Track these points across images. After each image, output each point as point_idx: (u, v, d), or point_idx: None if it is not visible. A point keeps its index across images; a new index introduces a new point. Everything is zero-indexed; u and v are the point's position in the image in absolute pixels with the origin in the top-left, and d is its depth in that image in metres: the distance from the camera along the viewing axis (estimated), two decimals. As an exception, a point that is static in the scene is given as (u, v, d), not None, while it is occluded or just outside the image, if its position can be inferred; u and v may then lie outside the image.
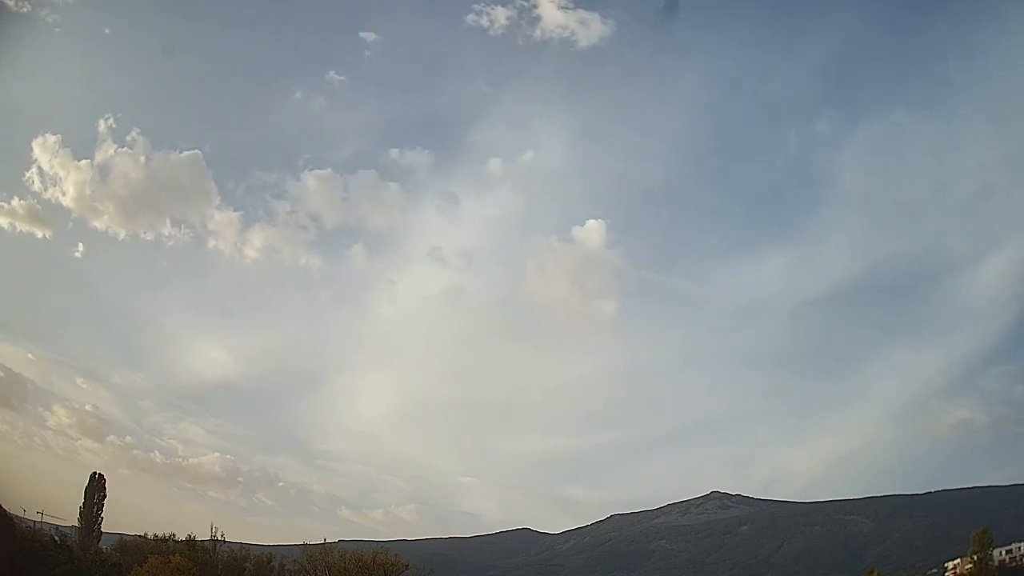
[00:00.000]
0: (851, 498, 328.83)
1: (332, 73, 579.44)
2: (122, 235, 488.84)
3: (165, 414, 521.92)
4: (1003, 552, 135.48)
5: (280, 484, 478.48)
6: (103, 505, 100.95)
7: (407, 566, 74.99)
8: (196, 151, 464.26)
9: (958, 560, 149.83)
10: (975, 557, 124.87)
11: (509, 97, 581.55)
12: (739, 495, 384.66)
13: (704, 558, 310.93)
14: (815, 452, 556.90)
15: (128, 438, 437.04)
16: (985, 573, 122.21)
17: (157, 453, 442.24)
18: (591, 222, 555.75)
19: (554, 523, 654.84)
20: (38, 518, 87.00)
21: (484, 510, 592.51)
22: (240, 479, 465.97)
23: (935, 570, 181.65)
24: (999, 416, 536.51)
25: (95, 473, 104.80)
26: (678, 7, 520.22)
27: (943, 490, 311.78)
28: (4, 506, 24.33)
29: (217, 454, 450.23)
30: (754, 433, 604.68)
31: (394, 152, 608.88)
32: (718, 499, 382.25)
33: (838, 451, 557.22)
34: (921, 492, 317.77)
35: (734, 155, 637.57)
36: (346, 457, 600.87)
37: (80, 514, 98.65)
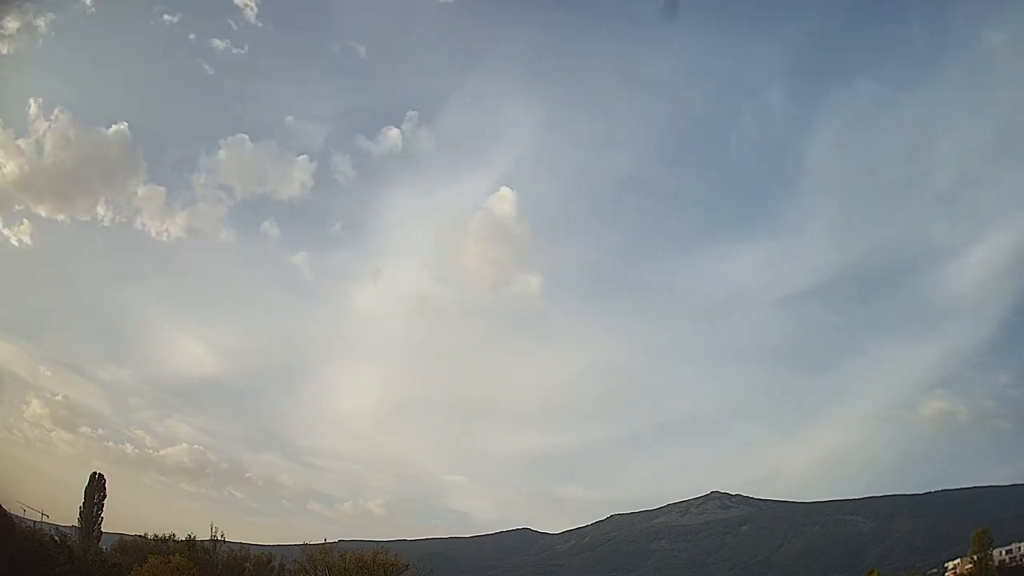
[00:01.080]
0: (851, 498, 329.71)
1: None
2: (61, 218, 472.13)
3: (145, 406, 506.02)
4: (1003, 552, 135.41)
5: (248, 476, 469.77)
6: (103, 505, 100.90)
7: (407, 566, 75.01)
8: (124, 125, 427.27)
9: (958, 560, 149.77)
10: (975, 557, 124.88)
11: (472, 83, 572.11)
12: (739, 495, 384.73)
13: (704, 558, 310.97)
14: (807, 451, 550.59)
15: (100, 430, 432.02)
16: (985, 573, 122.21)
17: (129, 445, 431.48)
18: (505, 188, 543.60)
19: (549, 522, 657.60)
20: (38, 518, 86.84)
21: (474, 509, 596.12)
22: (209, 470, 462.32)
23: (935, 570, 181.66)
24: (984, 410, 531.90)
25: (95, 473, 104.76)
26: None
27: (943, 490, 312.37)
28: (4, 506, 24.26)
29: (185, 445, 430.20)
30: (743, 430, 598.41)
31: (361, 139, 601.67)
32: (718, 499, 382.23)
33: (830, 449, 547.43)
34: (921, 492, 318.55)
35: (705, 142, 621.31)
36: (330, 453, 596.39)
37: (80, 514, 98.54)
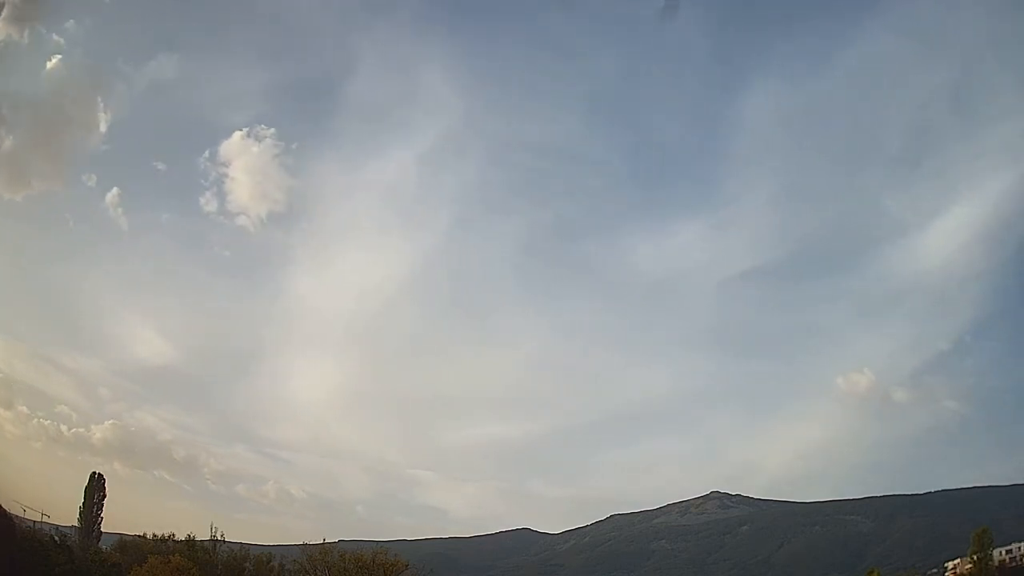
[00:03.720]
0: (851, 498, 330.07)
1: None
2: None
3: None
4: (1003, 552, 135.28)
5: (175, 457, 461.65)
6: (103, 505, 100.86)
7: (407, 566, 75.02)
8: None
9: (958, 560, 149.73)
10: (975, 557, 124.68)
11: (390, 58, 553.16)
12: (739, 495, 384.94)
13: (704, 558, 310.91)
14: (773, 444, 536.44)
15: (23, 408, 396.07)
16: (985, 573, 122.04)
17: (53, 422, 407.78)
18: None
19: (528, 518, 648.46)
20: (38, 518, 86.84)
21: (447, 504, 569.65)
22: (135, 451, 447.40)
23: (935, 570, 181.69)
24: (961, 395, 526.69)
25: (95, 473, 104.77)
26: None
27: (943, 490, 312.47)
28: (4, 506, 24.33)
29: (111, 422, 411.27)
30: (704, 420, 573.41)
31: (284, 114, 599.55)
32: (718, 499, 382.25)
33: (800, 443, 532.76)
34: (921, 492, 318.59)
35: (631, 110, 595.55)
36: (294, 446, 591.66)
37: (80, 514, 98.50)
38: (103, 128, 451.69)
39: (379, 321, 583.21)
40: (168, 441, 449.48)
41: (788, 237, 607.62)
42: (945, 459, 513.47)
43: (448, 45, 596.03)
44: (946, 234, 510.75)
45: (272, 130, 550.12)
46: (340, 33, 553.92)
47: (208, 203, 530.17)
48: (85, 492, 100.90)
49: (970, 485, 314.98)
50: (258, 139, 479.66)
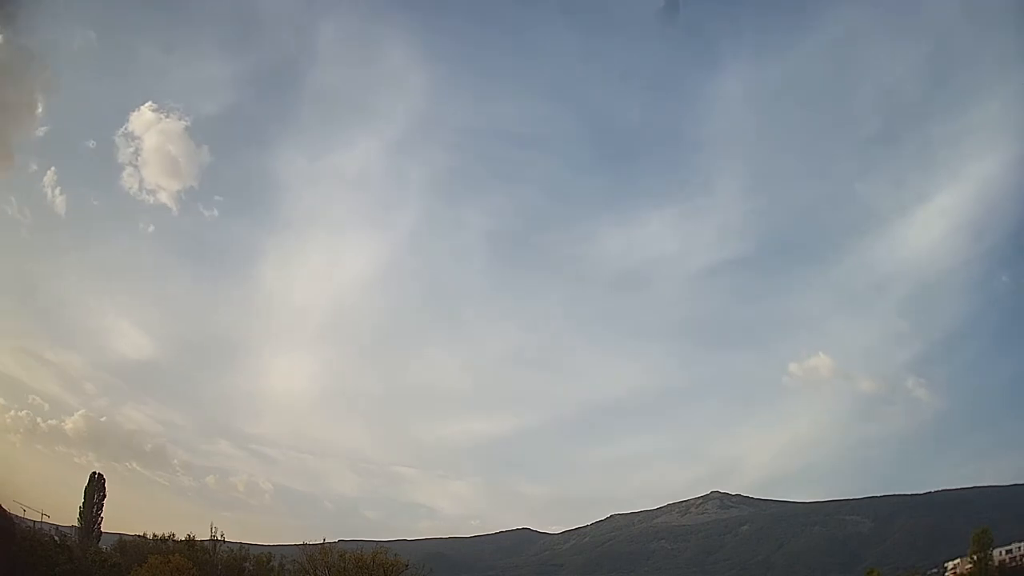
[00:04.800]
0: (851, 498, 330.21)
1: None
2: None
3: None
4: (1003, 552, 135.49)
5: (147, 448, 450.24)
6: (103, 505, 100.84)
7: (407, 566, 74.92)
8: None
9: (958, 560, 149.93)
10: (975, 557, 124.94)
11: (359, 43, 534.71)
12: (739, 495, 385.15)
13: (704, 558, 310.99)
14: (756, 438, 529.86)
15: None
16: (985, 573, 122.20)
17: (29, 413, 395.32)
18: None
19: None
20: (38, 518, 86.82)
21: (433, 502, 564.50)
22: (107, 442, 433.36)
23: (935, 570, 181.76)
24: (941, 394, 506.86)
25: (95, 473, 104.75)
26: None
27: (943, 490, 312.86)
28: (4, 506, 24.38)
29: (83, 411, 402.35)
30: (683, 416, 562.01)
31: (247, 103, 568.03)
32: (718, 499, 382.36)
33: (783, 438, 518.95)
34: (921, 492, 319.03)
35: (597, 95, 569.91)
36: (274, 441, 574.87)
37: (80, 514, 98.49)
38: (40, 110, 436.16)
39: (350, 315, 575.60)
40: (135, 431, 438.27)
41: (762, 226, 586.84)
42: (936, 456, 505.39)
43: (408, 26, 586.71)
44: (928, 221, 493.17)
45: (181, 104, 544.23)
46: (300, 17, 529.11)
47: (128, 181, 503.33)
48: (85, 492, 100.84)
49: (970, 485, 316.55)
50: (166, 112, 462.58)
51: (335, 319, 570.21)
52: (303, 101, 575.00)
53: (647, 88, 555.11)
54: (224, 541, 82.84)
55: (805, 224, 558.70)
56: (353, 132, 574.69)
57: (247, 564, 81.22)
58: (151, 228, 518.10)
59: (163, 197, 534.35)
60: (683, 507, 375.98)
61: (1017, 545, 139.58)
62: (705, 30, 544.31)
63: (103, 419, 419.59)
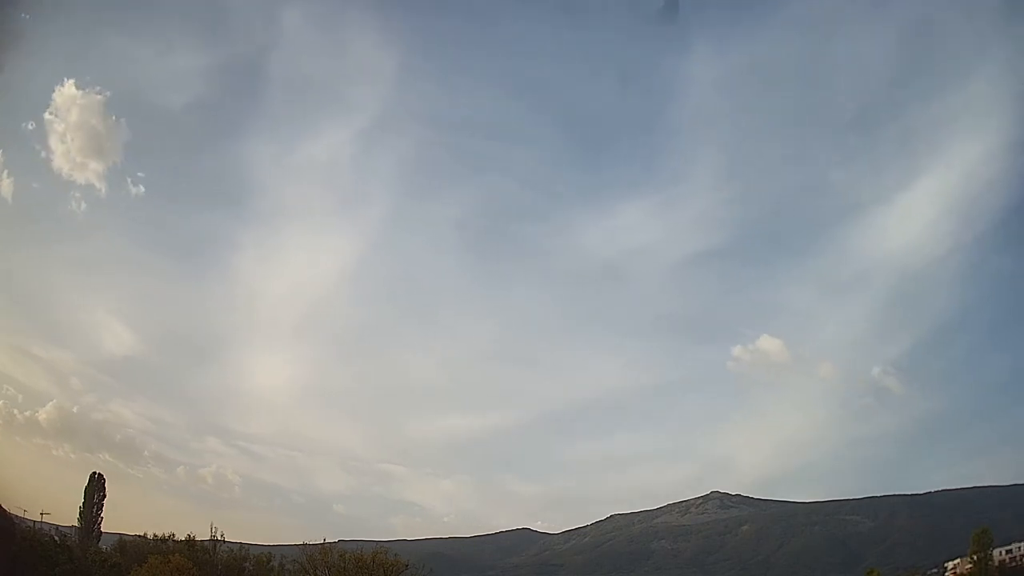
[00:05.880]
0: (851, 498, 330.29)
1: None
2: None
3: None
4: (1003, 552, 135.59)
5: (118, 438, 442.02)
6: (103, 505, 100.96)
7: (407, 566, 74.87)
8: None
9: (958, 560, 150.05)
10: (975, 557, 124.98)
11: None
12: (739, 495, 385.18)
13: (704, 558, 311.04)
14: (745, 434, 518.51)
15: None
16: (985, 573, 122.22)
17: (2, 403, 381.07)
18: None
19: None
20: (38, 518, 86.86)
21: (424, 500, 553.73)
22: (77, 434, 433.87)
23: (935, 570, 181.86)
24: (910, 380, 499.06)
25: (95, 473, 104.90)
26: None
27: (943, 490, 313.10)
28: (4, 506, 24.35)
29: (53, 402, 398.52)
30: (670, 411, 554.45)
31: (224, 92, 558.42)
32: (718, 499, 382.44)
33: (773, 434, 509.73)
34: (921, 492, 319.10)
35: (568, 81, 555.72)
36: (261, 438, 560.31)
37: (80, 514, 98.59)
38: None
39: (327, 310, 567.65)
40: (103, 422, 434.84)
41: (739, 215, 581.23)
42: (931, 453, 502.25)
43: (376, 14, 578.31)
44: (913, 208, 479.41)
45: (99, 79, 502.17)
46: (266, 4, 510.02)
47: (57, 161, 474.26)
48: (85, 492, 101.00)
49: (970, 485, 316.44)
50: (83, 87, 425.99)
51: (313, 314, 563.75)
52: (272, 91, 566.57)
53: (618, 75, 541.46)
54: (224, 541, 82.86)
55: (783, 213, 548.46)
56: (323, 122, 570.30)
57: (247, 564, 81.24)
58: (83, 206, 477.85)
59: (89, 175, 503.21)
60: (683, 507, 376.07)
61: (1017, 545, 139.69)
62: (676, 15, 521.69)
63: (75, 409, 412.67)
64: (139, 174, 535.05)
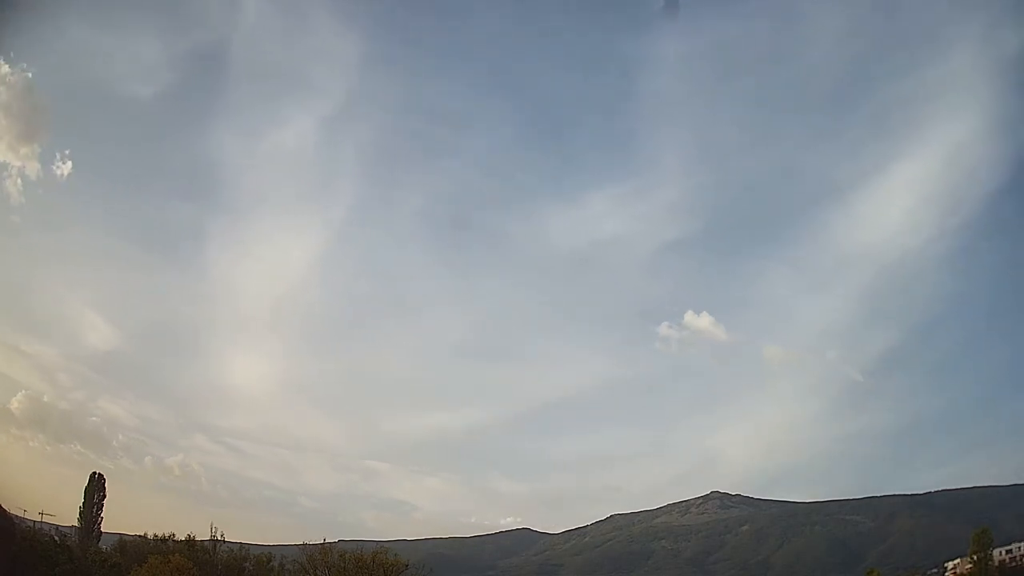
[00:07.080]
0: (851, 498, 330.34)
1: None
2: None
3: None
4: (1003, 552, 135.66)
5: (88, 426, 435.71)
6: (103, 505, 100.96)
7: (407, 566, 74.89)
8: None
9: (958, 560, 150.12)
10: (975, 557, 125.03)
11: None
12: (739, 495, 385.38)
13: (704, 558, 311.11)
14: (731, 430, 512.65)
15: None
16: (985, 573, 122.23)
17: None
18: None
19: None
20: (38, 518, 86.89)
21: (412, 497, 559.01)
22: (50, 424, 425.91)
23: (935, 570, 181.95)
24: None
25: (95, 473, 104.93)
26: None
27: (943, 490, 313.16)
28: (4, 506, 24.27)
29: (23, 392, 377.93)
30: (652, 408, 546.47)
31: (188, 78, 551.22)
32: (718, 499, 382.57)
33: (761, 429, 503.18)
34: (921, 492, 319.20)
35: (535, 66, 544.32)
36: (247, 434, 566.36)
37: (80, 514, 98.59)
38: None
39: (299, 305, 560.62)
40: (71, 411, 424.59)
41: (711, 201, 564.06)
42: (928, 451, 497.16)
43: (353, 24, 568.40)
44: (893, 192, 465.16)
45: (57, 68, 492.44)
46: None
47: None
48: (85, 492, 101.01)
49: (970, 485, 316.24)
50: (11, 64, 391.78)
51: (285, 308, 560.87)
52: (236, 78, 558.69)
53: (582, 59, 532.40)
54: (224, 541, 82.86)
55: (756, 198, 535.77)
56: (288, 108, 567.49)
57: (247, 564, 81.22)
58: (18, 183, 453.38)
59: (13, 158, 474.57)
60: (683, 507, 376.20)
61: (1017, 545, 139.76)
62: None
63: (45, 399, 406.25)
64: (105, 166, 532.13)
